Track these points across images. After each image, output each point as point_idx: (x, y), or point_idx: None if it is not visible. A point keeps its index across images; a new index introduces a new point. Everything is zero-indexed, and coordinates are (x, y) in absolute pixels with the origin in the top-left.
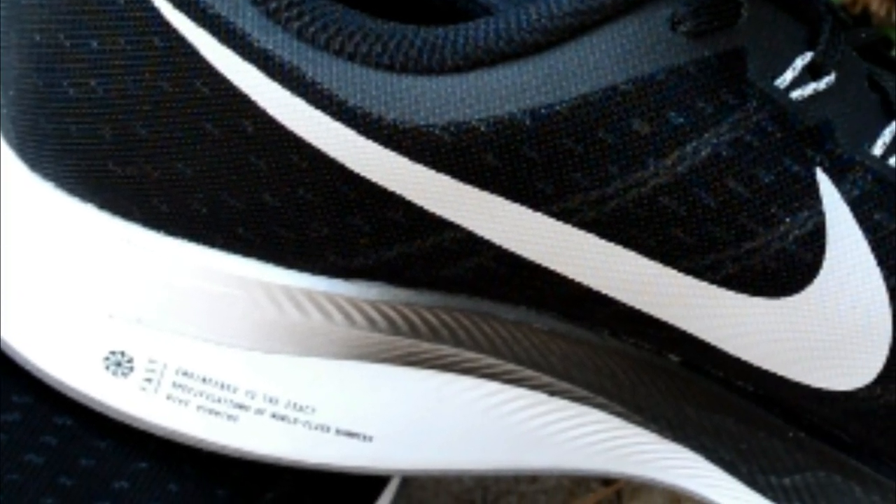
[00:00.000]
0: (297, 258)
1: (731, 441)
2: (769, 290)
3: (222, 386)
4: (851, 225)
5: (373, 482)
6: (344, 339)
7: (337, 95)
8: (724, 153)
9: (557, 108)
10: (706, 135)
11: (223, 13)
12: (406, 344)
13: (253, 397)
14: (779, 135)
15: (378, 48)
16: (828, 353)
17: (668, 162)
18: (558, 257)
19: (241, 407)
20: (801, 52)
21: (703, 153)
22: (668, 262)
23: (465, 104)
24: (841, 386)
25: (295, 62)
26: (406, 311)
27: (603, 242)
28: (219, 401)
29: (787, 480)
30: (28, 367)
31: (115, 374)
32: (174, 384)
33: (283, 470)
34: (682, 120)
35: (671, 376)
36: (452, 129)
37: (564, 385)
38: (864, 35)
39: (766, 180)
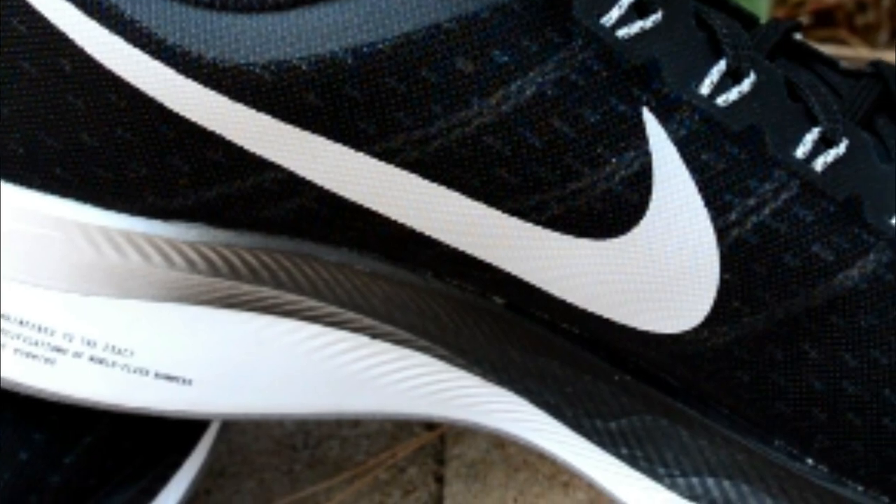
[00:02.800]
0: (115, 199)
1: (557, 384)
2: (595, 232)
3: (39, 329)
4: (678, 165)
5: (193, 426)
6: (163, 281)
7: (156, 34)
8: (549, 92)
9: (380, 46)
10: (531, 73)
11: None
12: (226, 286)
13: (70, 340)
14: (604, 73)
15: None
16: (654, 296)
17: (493, 101)
18: (381, 198)
19: (58, 350)
20: None
21: (528, 92)
22: (492, 202)
23: (287, 43)
24: (667, 329)
25: (113, 0)
26: (226, 252)
27: (426, 183)
28: (36, 344)
29: (612, 424)
30: None
31: None
32: None
33: (102, 414)
34: (506, 58)
35: (495, 319)
36: (273, 67)
37: (387, 328)
38: None
39: (592, 120)
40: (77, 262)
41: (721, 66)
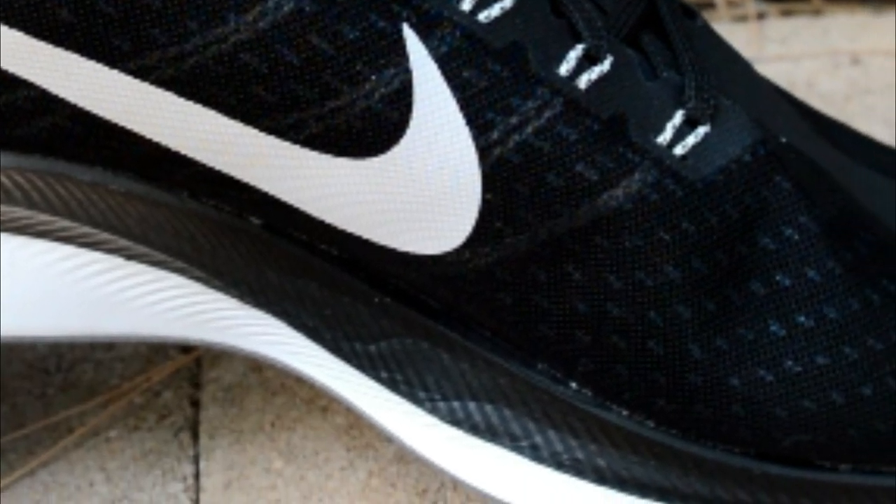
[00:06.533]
0: None
1: (315, 307)
2: (354, 151)
3: None
4: (439, 83)
5: None
6: None
7: None
8: (307, 8)
9: None
10: None
11: None
12: None
13: None
14: None
15: None
16: (415, 216)
17: (250, 17)
18: (135, 116)
19: None
20: None
21: (286, 8)
22: (249, 121)
23: None
24: (428, 250)
25: None
26: None
27: (181, 101)
28: None
29: (372, 347)
30: None
31: None
32: None
33: None
34: None
35: (252, 240)
36: None
37: (141, 249)
38: None
39: (351, 36)
40: None
41: None
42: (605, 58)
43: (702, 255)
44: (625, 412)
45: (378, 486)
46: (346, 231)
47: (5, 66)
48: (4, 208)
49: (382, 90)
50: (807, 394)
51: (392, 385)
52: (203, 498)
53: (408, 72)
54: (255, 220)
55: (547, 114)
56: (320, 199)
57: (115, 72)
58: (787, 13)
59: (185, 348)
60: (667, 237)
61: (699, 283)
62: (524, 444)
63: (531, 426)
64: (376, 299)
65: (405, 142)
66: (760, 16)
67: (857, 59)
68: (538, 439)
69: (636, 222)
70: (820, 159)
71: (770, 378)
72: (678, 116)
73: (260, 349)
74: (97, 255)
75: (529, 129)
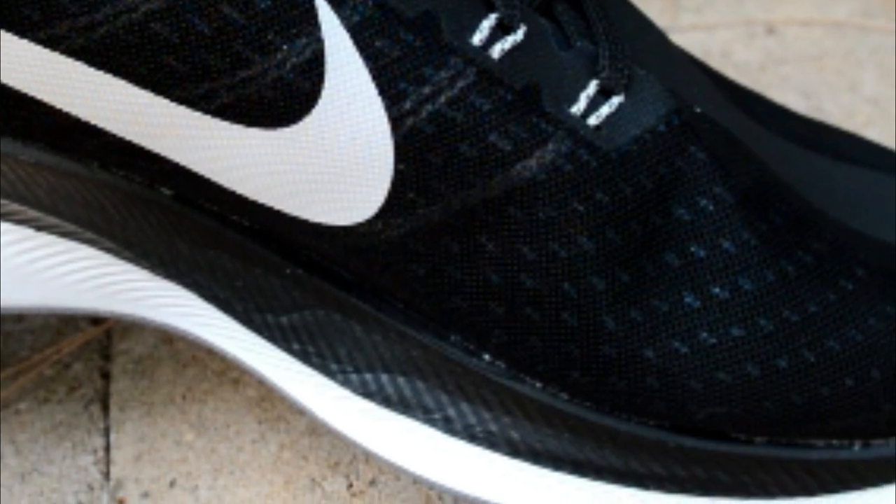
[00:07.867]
0: None
1: (227, 278)
2: (265, 121)
3: None
4: (351, 52)
5: None
6: None
7: None
8: None
9: None
10: None
11: None
12: None
13: None
14: None
15: None
16: (327, 187)
17: None
18: (45, 86)
19: None
20: None
21: None
22: (159, 91)
23: None
24: (340, 220)
25: None
26: None
27: (92, 71)
28: None
29: (284, 319)
30: None
31: None
32: None
33: None
34: None
35: (163, 210)
36: None
37: (52, 220)
38: None
39: (263, 6)
40: None
41: None
42: (518, 27)
43: (616, 225)
44: (538, 384)
45: (290, 458)
46: (258, 202)
47: None
48: None
49: (294, 60)
50: (721, 366)
51: (304, 357)
52: (113, 470)
53: (320, 41)
54: (166, 191)
55: (460, 84)
56: (231, 170)
57: (24, 41)
58: None
59: (96, 320)
60: (581, 208)
61: (613, 254)
62: (437, 416)
63: (444, 398)
64: (288, 270)
65: (317, 112)
66: None
67: (773, 29)
68: (451, 412)
69: (550, 193)
70: (735, 129)
71: (685, 350)
72: (592, 86)
73: (171, 321)
74: (7, 226)
75: (442, 99)
